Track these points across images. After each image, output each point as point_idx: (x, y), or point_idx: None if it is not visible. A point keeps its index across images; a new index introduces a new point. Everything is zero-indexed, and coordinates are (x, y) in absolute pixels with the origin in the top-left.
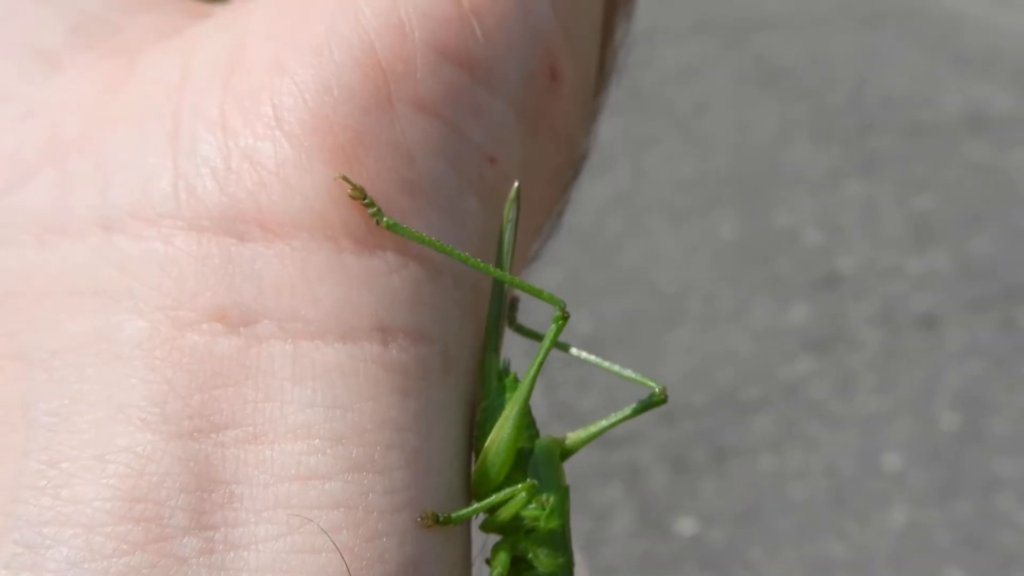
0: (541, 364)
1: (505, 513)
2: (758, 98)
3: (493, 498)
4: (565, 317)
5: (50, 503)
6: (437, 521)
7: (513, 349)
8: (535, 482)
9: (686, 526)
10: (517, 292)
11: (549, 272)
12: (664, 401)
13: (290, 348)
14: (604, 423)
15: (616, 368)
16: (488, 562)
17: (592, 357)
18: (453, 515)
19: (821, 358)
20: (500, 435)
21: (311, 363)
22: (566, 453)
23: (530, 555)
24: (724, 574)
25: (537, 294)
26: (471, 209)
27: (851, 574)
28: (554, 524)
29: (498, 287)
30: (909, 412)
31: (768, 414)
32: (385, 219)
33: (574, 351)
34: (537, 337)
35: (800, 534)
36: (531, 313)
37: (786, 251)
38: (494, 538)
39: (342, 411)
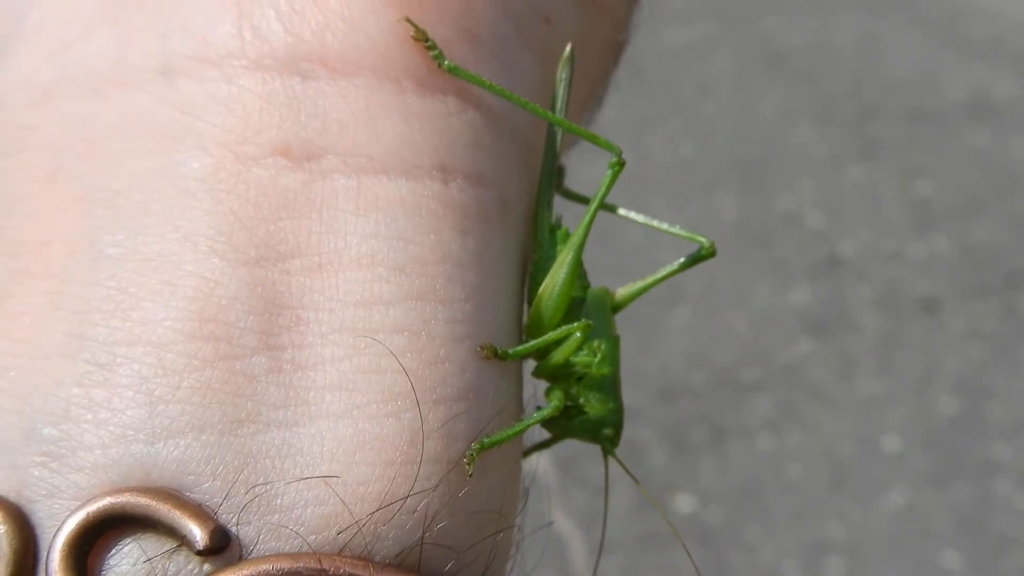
0: (596, 212)
1: (559, 356)
2: (761, 81)
3: (549, 335)
4: (621, 164)
5: (120, 324)
6: (495, 354)
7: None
8: (590, 322)
9: (684, 504)
10: (563, 161)
11: None
12: (713, 254)
13: (353, 182)
14: (653, 277)
15: (664, 226)
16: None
17: (639, 216)
18: (511, 350)
19: (821, 341)
20: (554, 281)
21: (374, 197)
22: (617, 307)
23: (581, 399)
24: (721, 552)
25: (594, 140)
26: (528, 65)
27: (848, 555)
28: (605, 370)
29: (551, 144)
30: (908, 396)
31: (767, 395)
32: (446, 62)
33: (622, 211)
34: (584, 200)
35: (798, 514)
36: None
37: (787, 234)
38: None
39: (404, 243)
